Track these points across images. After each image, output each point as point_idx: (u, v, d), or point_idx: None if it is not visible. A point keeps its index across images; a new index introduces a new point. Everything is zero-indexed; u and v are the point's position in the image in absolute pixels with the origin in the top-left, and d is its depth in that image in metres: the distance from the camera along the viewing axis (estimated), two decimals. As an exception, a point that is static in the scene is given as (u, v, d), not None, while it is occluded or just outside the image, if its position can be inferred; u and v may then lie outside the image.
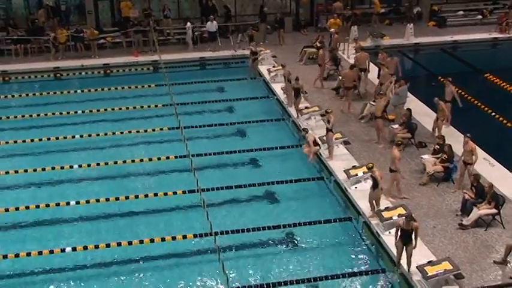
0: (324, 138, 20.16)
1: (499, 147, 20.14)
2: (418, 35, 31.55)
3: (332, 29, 28.84)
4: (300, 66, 28.01)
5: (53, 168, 19.78)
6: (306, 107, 22.73)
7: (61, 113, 23.97)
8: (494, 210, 16.13)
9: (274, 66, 26.93)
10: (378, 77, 23.69)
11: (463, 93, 24.33)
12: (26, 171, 19.65)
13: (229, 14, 32.83)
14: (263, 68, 27.44)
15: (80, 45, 30.10)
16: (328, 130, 19.46)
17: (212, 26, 30.34)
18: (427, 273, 13.92)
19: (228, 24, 32.11)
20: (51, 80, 28.15)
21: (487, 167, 18.67)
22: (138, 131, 22.23)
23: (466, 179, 17.51)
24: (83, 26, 31.10)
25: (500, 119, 22.58)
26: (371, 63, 24.98)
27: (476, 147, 17.58)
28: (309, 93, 24.67)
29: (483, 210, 16.14)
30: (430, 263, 14.27)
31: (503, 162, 18.90)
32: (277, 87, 25.12)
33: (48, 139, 21.81)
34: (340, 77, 25.00)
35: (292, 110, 22.99)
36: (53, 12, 31.62)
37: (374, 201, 16.48)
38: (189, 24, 30.77)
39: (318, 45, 28.33)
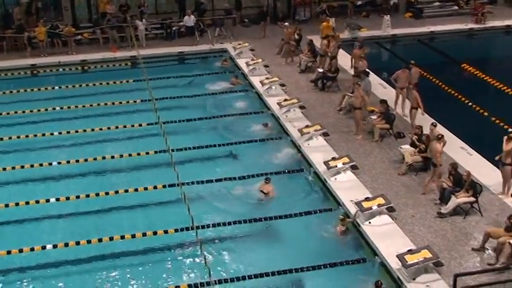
0: (303, 130, 20.36)
1: (476, 136, 20.33)
2: (395, 27, 31.79)
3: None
4: (278, 58, 28.09)
5: (32, 165, 19.66)
6: (285, 99, 22.82)
7: (39, 110, 23.79)
8: (472, 199, 16.30)
9: (252, 60, 26.98)
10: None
11: (440, 83, 24.65)
12: (4, 169, 19.51)
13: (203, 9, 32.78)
14: (241, 62, 27.48)
15: (56, 41, 29.88)
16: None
17: (190, 20, 30.31)
18: (407, 262, 14.02)
19: (205, 18, 32.05)
20: (28, 77, 27.97)
21: (464, 156, 18.87)
22: (117, 127, 22.17)
23: (444, 168, 17.64)
24: (60, 22, 30.85)
25: (477, 108, 22.80)
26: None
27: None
28: (287, 86, 24.82)
29: (461, 198, 16.29)
30: (409, 251, 14.37)
31: (480, 150, 19.10)
32: (255, 80, 25.17)
33: (26, 136, 21.65)
34: (319, 69, 25.19)
35: (270, 101, 23.17)
36: (30, 9, 31.35)
37: None
38: (144, 21, 30.61)
39: (296, 37, 28.42)
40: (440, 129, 18.74)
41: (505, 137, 16.92)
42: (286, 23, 29.19)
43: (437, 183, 17.17)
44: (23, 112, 23.68)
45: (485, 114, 22.37)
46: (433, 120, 20.06)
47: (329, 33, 26.99)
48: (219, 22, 31.83)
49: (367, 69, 23.24)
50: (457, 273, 13.73)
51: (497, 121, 21.56)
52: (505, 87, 24.59)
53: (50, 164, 19.78)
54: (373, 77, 24.53)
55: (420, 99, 20.29)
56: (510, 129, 20.11)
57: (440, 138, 17.42)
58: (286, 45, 28.02)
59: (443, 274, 14.17)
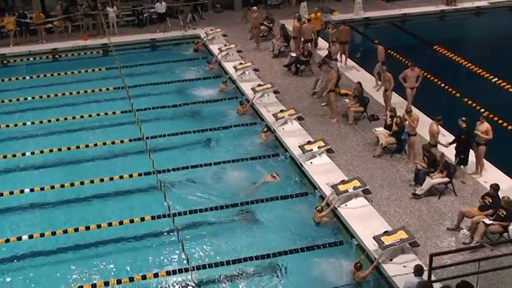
0: (278, 114, 20.35)
1: (449, 117, 20.43)
2: (367, 9, 31.82)
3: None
4: (251, 43, 28.00)
5: (5, 156, 19.45)
6: (259, 85, 22.78)
7: (10, 100, 23.54)
8: (446, 179, 16.45)
9: (225, 45, 26.86)
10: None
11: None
12: (-23, 160, 19.28)
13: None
14: (214, 47, 27.34)
15: (24, 30, 29.40)
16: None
17: (161, 7, 30.06)
18: (384, 243, 14.11)
19: (177, 4, 31.79)
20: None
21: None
22: (90, 116, 21.98)
23: (418, 149, 17.79)
24: (28, 10, 30.34)
25: (450, 89, 22.97)
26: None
27: (418, 118, 18.00)
28: (261, 71, 24.78)
29: (436, 179, 16.45)
30: (386, 233, 14.47)
31: (453, 131, 19.19)
32: (229, 66, 25.08)
33: (-2, 127, 21.49)
34: (292, 54, 25.18)
35: (244, 86, 23.15)
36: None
37: None
38: (115, 8, 30.30)
39: (268, 22, 28.34)
40: (414, 110, 18.81)
41: (480, 117, 17.15)
42: (254, 8, 29.04)
43: (413, 164, 17.33)
44: (-6, 102, 23.43)
45: (458, 95, 22.57)
46: (404, 102, 20.33)
47: (317, 28, 26.68)
48: (192, 8, 31.59)
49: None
50: (432, 253, 13.79)
51: (470, 102, 21.75)
52: (476, 68, 24.80)
53: (24, 154, 19.60)
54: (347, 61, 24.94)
55: (393, 80, 20.38)
56: (482, 110, 20.35)
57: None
58: (254, 30, 27.90)
59: (420, 254, 14.30)
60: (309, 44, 25.28)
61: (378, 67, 22.25)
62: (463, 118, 17.06)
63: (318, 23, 26.76)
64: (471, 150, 17.32)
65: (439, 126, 17.49)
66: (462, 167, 17.06)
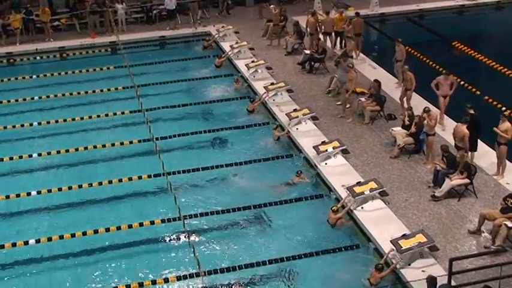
0: (291, 114, 19.93)
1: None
2: (383, 5, 31.29)
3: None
4: (263, 41, 27.57)
5: (11, 158, 19.20)
6: (272, 83, 22.34)
7: (16, 100, 23.29)
8: (466, 180, 15.97)
9: (237, 43, 26.44)
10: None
11: (430, 62, 24.25)
12: (-18, 162, 19.03)
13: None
14: (225, 45, 26.91)
15: (31, 27, 29.07)
16: None
17: (171, 3, 29.65)
18: (402, 247, 13.75)
19: (187, 0, 31.40)
20: (4, 66, 27.32)
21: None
22: (98, 116, 21.69)
23: (437, 150, 17.28)
24: (35, 8, 29.99)
25: (469, 87, 22.40)
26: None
27: (437, 117, 17.69)
28: (274, 69, 24.38)
29: (455, 180, 15.96)
30: (404, 236, 14.10)
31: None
32: (241, 64, 24.65)
33: (4, 128, 21.22)
34: (306, 51, 24.71)
35: (256, 85, 22.68)
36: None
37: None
38: (124, 4, 29.87)
39: (281, 19, 27.89)
40: (432, 109, 18.31)
41: (501, 116, 16.65)
42: (272, 6, 28.51)
43: (431, 165, 16.83)
44: (0, 102, 23.15)
45: (478, 93, 22.01)
46: (423, 99, 19.90)
47: (338, 29, 25.66)
48: (202, 4, 31.23)
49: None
50: (452, 257, 13.42)
51: (490, 100, 21.20)
52: (497, 65, 24.20)
53: (30, 155, 19.33)
54: (362, 58, 24.64)
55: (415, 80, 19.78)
56: (504, 108, 19.82)
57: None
58: (274, 27, 27.41)
59: (439, 258, 13.97)
60: (327, 37, 24.74)
61: (398, 67, 21.61)
62: (469, 105, 17.14)
63: (341, 24, 25.69)
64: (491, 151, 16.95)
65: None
66: (470, 153, 16.89)
